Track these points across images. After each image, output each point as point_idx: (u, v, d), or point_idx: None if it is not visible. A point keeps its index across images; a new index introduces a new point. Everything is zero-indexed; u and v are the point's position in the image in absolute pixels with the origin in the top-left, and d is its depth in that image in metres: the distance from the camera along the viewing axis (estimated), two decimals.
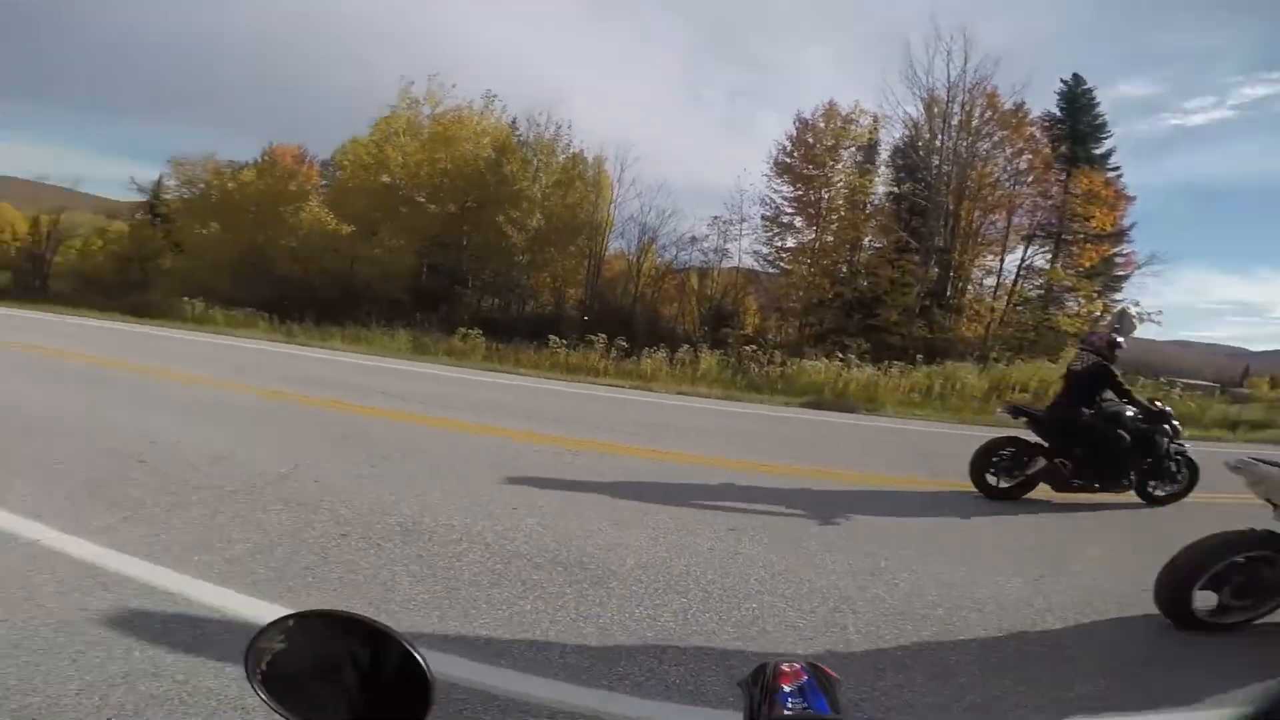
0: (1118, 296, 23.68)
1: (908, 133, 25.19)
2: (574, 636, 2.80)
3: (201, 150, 41.99)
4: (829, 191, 25.00)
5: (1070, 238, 23.50)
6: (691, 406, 10.65)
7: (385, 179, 27.16)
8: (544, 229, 26.38)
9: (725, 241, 27.44)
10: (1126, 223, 24.47)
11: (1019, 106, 23.86)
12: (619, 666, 2.59)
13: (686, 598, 3.29)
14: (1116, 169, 24.82)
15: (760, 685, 0.83)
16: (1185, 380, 19.77)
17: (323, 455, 5.31)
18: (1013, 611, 3.43)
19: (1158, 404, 6.13)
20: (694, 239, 27.53)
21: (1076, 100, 25.09)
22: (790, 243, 26.32)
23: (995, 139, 24.16)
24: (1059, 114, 24.99)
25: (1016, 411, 6.14)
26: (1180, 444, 5.98)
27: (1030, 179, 24.13)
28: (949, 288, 23.87)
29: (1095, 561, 4.33)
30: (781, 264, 26.37)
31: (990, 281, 25.30)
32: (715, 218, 27.40)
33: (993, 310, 24.07)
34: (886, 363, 15.55)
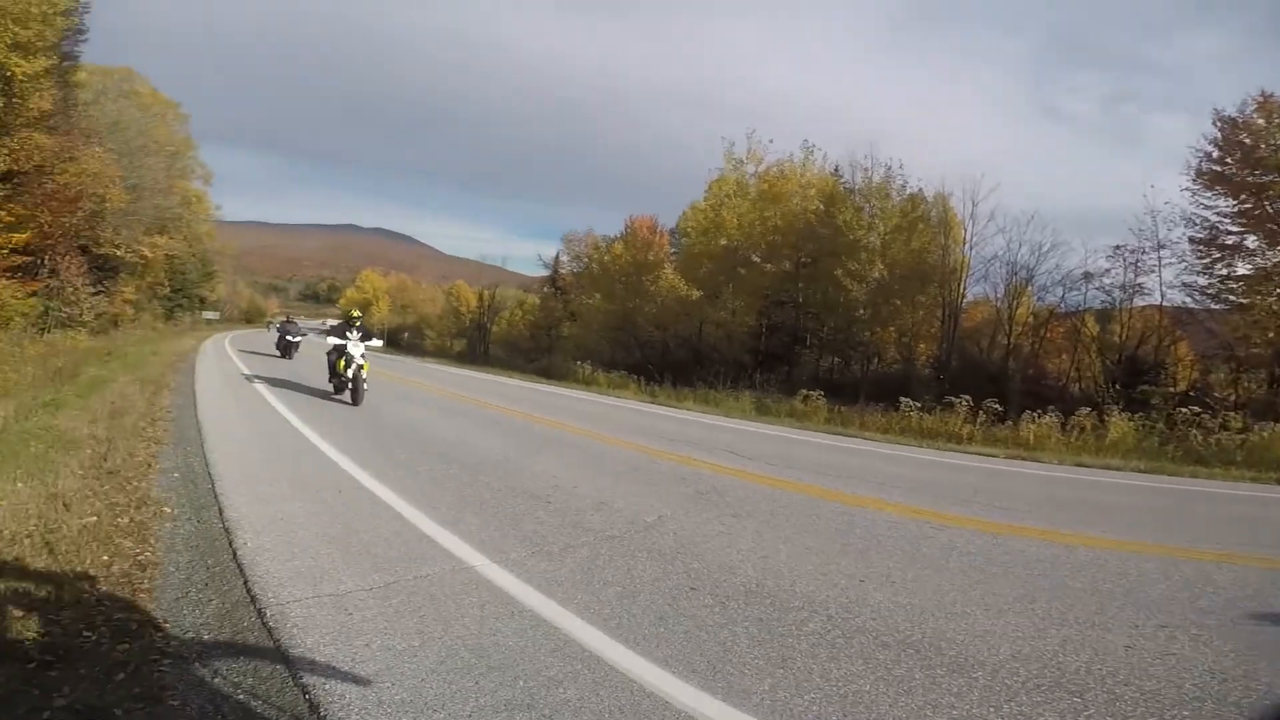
0: None
1: None
2: None
3: (583, 226, 50.37)
4: None
5: None
6: (1098, 481, 9.06)
7: (723, 241, 28.70)
8: (886, 279, 24.76)
9: (1136, 275, 22.15)
10: None
11: None
12: None
13: (1082, 698, 2.77)
14: None
15: None
16: None
17: (680, 509, 5.73)
18: None
19: None
20: (1087, 275, 22.93)
21: None
22: (1243, 269, 19.85)
23: None
24: None
25: None
26: None
27: None
28: None
29: None
30: (1232, 297, 19.89)
31: None
32: (1117, 247, 22.38)
33: None
34: None
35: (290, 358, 22.45)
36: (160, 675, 2.57)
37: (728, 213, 28.46)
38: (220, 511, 4.78)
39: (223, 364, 18.92)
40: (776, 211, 27.70)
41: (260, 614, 3.18)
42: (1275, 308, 18.55)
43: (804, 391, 17.21)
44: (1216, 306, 20.77)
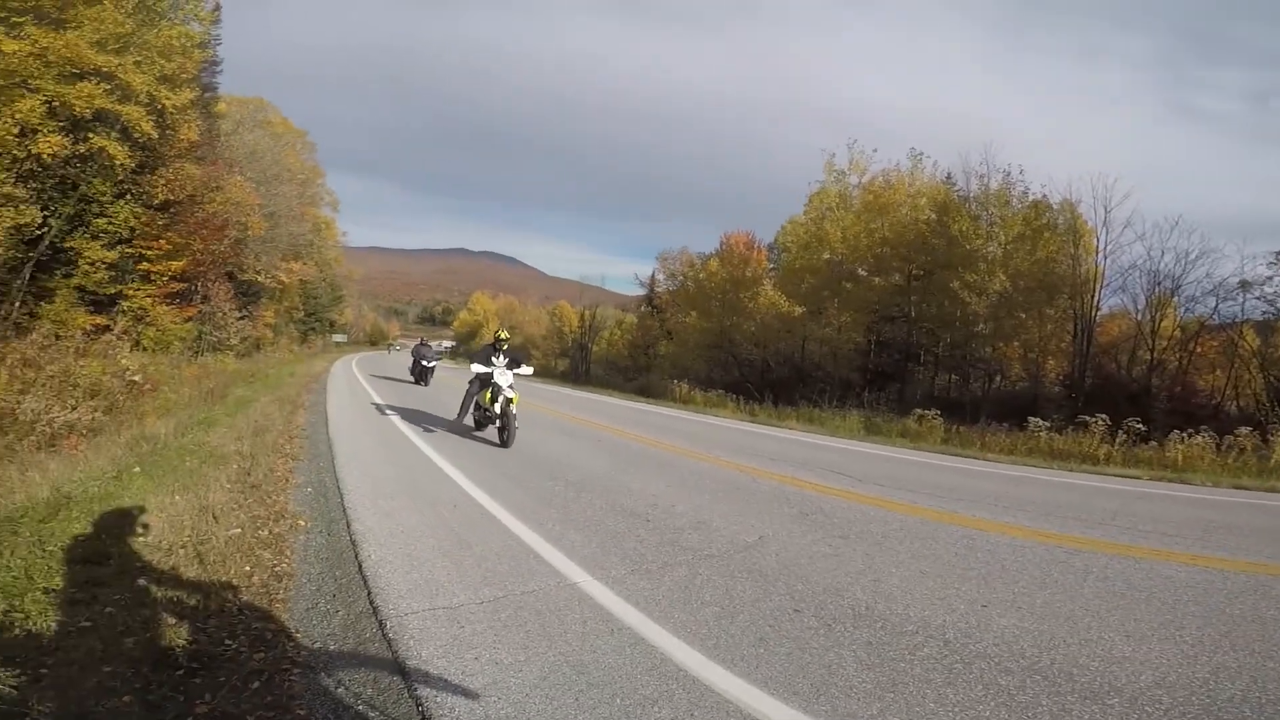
0: None
1: None
2: None
3: (678, 244, 50.84)
4: None
5: None
6: (1260, 504, 8.33)
7: (826, 255, 27.94)
8: (1009, 291, 23.09)
9: None
10: None
11: None
12: None
13: None
14: None
15: None
16: None
17: (783, 530, 5.61)
18: None
19: None
20: (1244, 284, 20.62)
21: None
22: None
23: None
24: None
25: None
26: None
27: None
28: None
29: None
30: None
31: None
32: (1279, 253, 20.06)
33: None
34: None
35: (426, 384, 21.24)
36: (290, 684, 2.76)
37: (830, 225, 27.73)
38: (348, 525, 5.11)
39: (351, 386, 20.18)
40: (884, 223, 26.70)
41: (381, 625, 3.36)
42: None
43: (918, 411, 16.40)
44: None
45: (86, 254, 17.77)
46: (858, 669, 3.08)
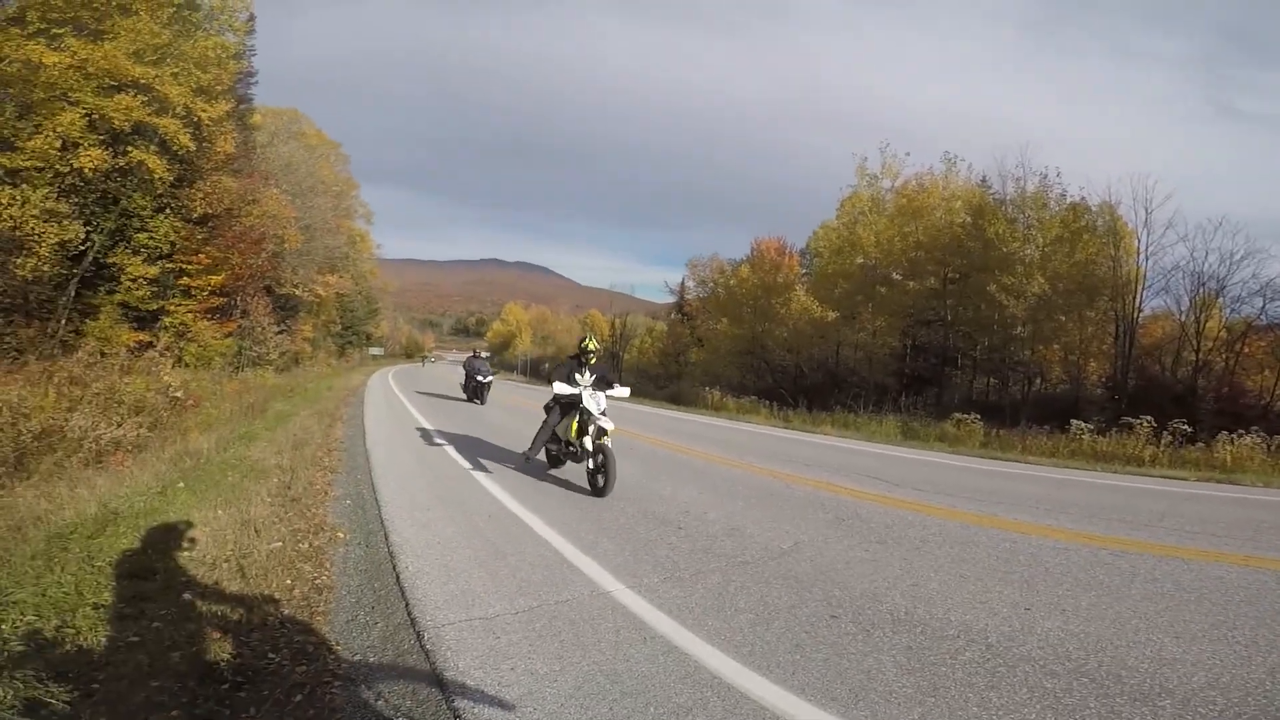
0: None
1: None
2: None
3: (708, 251, 50.81)
4: None
5: None
6: None
7: (859, 260, 27.69)
8: (1048, 294, 22.71)
9: None
10: None
11: None
12: None
13: None
14: None
15: None
16: None
17: (819, 536, 5.54)
18: None
19: None
20: None
21: None
22: None
23: None
24: None
25: None
26: None
27: None
28: None
29: None
30: None
31: None
32: None
33: None
34: None
35: (483, 401, 18.95)
36: (331, 697, 2.80)
37: (863, 230, 27.48)
38: (386, 536, 5.17)
39: (388, 398, 20.42)
40: (918, 226, 26.38)
41: (419, 637, 3.39)
42: None
43: (956, 415, 16.13)
44: None
45: (129, 270, 18.08)
46: (897, 674, 3.04)
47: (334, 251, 36.52)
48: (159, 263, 18.98)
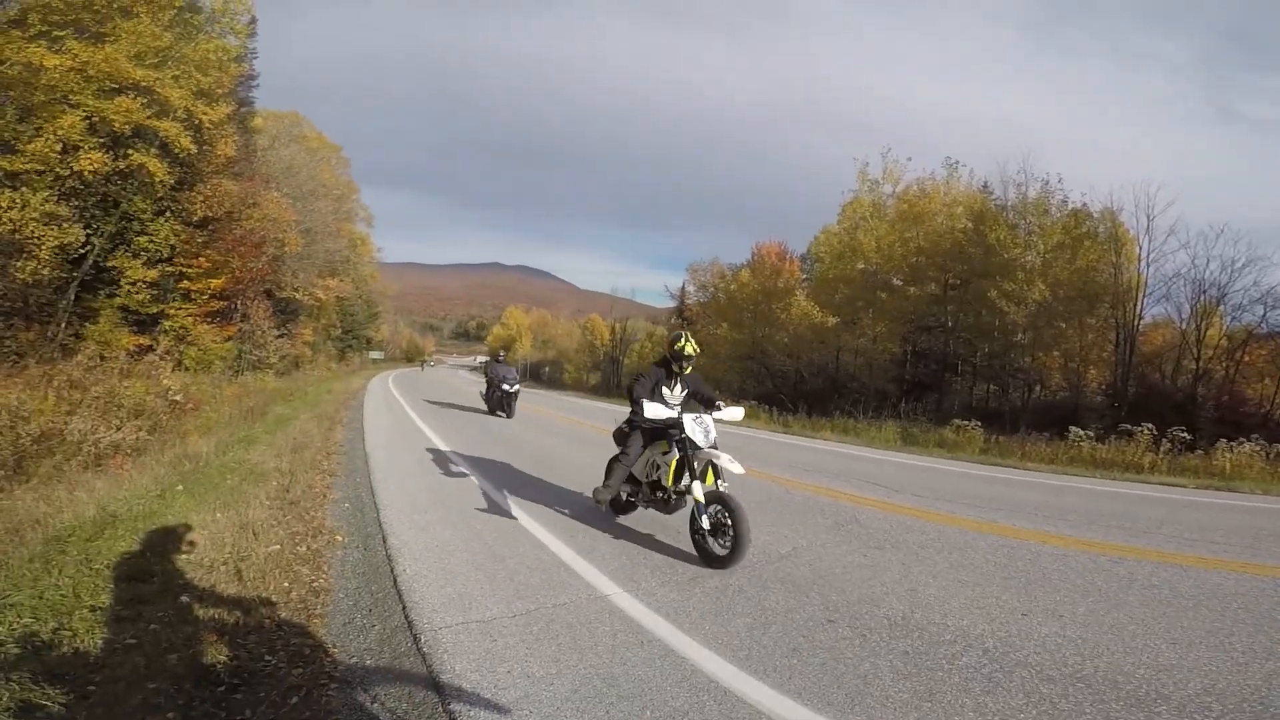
0: None
1: None
2: None
3: (709, 254, 50.82)
4: None
5: None
6: None
7: (860, 265, 27.65)
8: (1048, 300, 22.69)
9: None
10: None
11: None
12: None
13: None
14: None
15: None
16: None
17: (817, 540, 5.54)
18: None
19: None
20: None
21: None
22: None
23: None
24: None
25: None
26: None
27: None
28: None
29: None
30: None
31: None
32: None
33: None
34: None
35: (510, 414, 15.91)
36: (327, 699, 2.79)
37: (864, 235, 27.45)
38: (384, 539, 5.16)
39: (389, 402, 20.37)
40: (919, 232, 26.36)
41: (415, 639, 3.39)
42: None
43: (956, 421, 16.08)
44: None
45: (129, 273, 18.06)
46: (894, 678, 3.05)
47: (334, 255, 36.44)
48: (159, 266, 18.96)
